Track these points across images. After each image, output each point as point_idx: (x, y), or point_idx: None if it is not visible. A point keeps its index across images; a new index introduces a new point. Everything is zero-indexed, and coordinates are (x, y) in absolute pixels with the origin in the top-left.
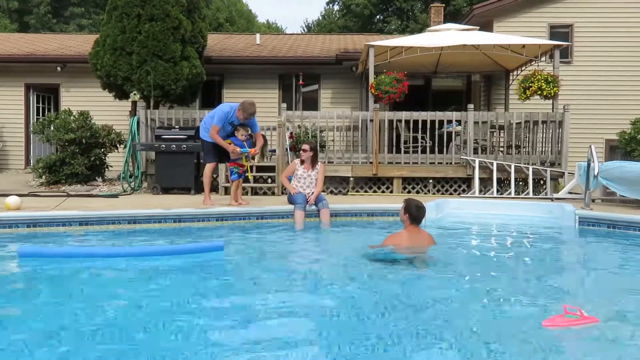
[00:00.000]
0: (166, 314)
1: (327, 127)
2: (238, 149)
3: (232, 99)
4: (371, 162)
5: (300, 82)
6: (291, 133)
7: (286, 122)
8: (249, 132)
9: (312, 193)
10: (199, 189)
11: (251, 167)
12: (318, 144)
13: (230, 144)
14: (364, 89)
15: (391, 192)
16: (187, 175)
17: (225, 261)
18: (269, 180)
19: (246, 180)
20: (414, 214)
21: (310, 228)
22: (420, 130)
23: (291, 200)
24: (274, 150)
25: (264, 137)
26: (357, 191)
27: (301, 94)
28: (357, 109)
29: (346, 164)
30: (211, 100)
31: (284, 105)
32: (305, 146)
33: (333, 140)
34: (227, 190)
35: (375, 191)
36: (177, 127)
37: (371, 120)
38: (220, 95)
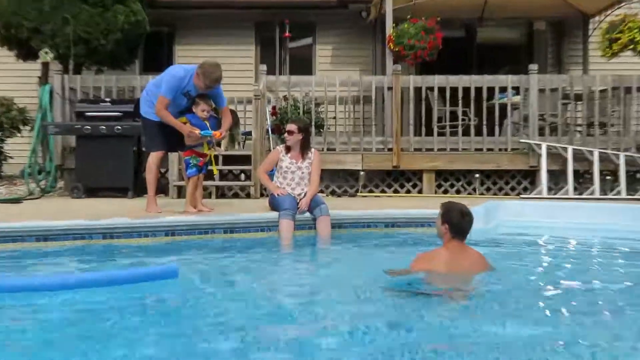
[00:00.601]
0: None
1: (325, 98)
2: (197, 132)
3: (187, 60)
4: (390, 149)
5: (287, 33)
6: (274, 108)
7: (266, 92)
8: (213, 106)
9: (305, 194)
10: (141, 190)
11: (216, 157)
12: (313, 123)
13: (185, 123)
14: (379, 43)
15: (420, 191)
16: (122, 169)
17: (178, 295)
18: (242, 176)
19: (209, 176)
20: (457, 223)
21: (302, 245)
22: (461, 102)
23: (274, 205)
24: (249, 133)
25: (233, 113)
26: (371, 191)
27: (288, 51)
28: (369, 72)
29: (354, 152)
30: (158, 61)
31: (264, 67)
32: (292, 126)
33: (335, 118)
34: (181, 192)
35: (396, 191)
36: (108, 100)
37: (389, 89)
38: (171, 54)
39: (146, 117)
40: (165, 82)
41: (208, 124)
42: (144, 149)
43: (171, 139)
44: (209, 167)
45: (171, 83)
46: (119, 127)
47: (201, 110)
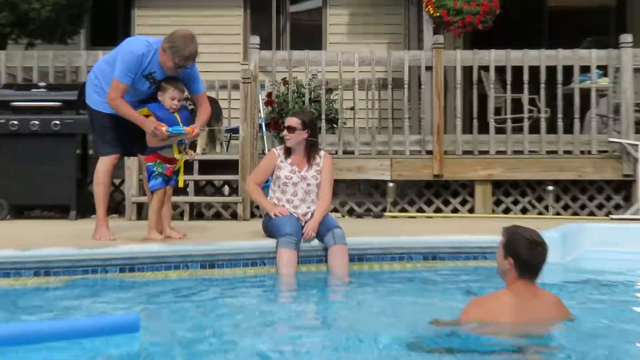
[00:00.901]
0: None
1: (340, 82)
2: (164, 128)
3: (150, 31)
4: (430, 152)
5: None
6: (269, 95)
7: (259, 74)
8: (185, 94)
9: (312, 214)
10: (88, 209)
11: (188, 163)
12: (323, 116)
13: (148, 117)
14: (413, 6)
15: (471, 210)
16: (61, 181)
17: (136, 356)
18: (226, 189)
19: (181, 189)
20: (526, 257)
21: (309, 285)
22: (527, 87)
23: (270, 230)
24: (235, 130)
25: (214, 103)
26: (403, 210)
27: (289, 18)
28: (401, 46)
29: (381, 156)
30: (110, 32)
31: (255, 40)
32: (294, 120)
33: (353, 109)
34: (142, 211)
35: (438, 210)
36: (42, 84)
37: (428, 68)
38: (129, 22)
39: (95, 109)
40: (120, 60)
41: (179, 118)
42: (91, 152)
43: (128, 139)
44: (178, 177)
45: (129, 62)
46: (58, 123)
47: (170, 98)
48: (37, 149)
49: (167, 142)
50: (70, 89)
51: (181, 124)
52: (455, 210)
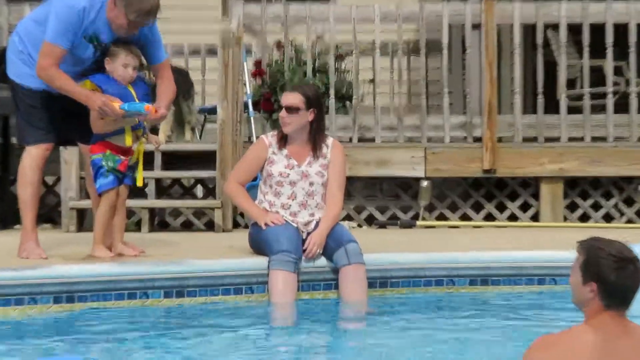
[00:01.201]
0: None
1: (355, 45)
2: (118, 104)
3: None
4: (479, 139)
5: None
6: (258, 64)
7: (244, 35)
8: (142, 61)
9: (316, 224)
10: (11, 217)
11: (148, 155)
12: (331, 92)
13: (94, 91)
14: None
15: (535, 217)
16: None
17: None
18: (199, 189)
19: (138, 192)
20: (614, 279)
21: (314, 317)
22: (610, 51)
23: (260, 245)
24: (212, 110)
25: (182, 75)
26: (442, 217)
27: None
28: None
29: (411, 145)
30: None
31: None
32: (293, 97)
33: (373, 82)
34: (85, 219)
35: (490, 217)
36: None
37: (475, 27)
38: None
39: (19, 83)
40: (55, 16)
41: (134, 93)
42: (14, 140)
43: (65, 122)
44: (135, 174)
45: (66, 18)
46: None
47: (122, 65)
48: None
49: (119, 125)
50: None
51: (138, 100)
52: (513, 218)
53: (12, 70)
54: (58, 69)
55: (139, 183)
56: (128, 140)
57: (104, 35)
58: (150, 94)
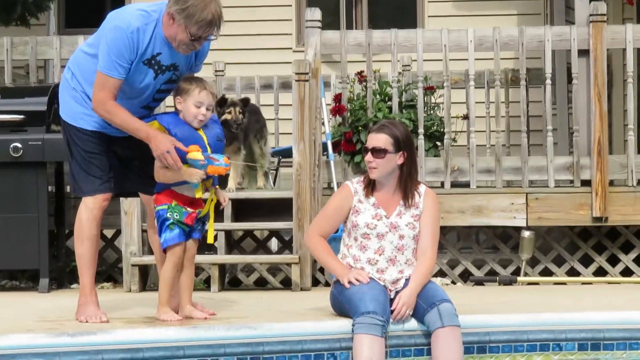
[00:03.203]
0: None
1: (447, 76)
2: (194, 153)
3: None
4: (587, 182)
5: None
6: (337, 98)
7: (321, 66)
8: (217, 97)
9: (406, 281)
10: (68, 276)
11: (217, 206)
12: (420, 129)
13: (162, 133)
14: None
15: None
16: (26, 234)
17: None
18: (274, 243)
19: (207, 246)
20: None
21: None
22: None
23: (343, 305)
24: (286, 152)
25: (252, 111)
26: (547, 272)
27: None
28: (538, 20)
29: (511, 190)
30: (94, 5)
31: (314, 14)
32: (380, 138)
33: (466, 118)
34: (148, 277)
35: (601, 271)
36: None
37: (583, 52)
38: None
39: (73, 125)
40: (105, 42)
41: (204, 137)
42: (70, 190)
43: (125, 169)
44: (205, 228)
45: (117, 43)
46: (19, 146)
47: (194, 104)
48: None
49: (191, 177)
50: (37, 95)
51: (209, 149)
52: (627, 272)
53: (65, 110)
54: (115, 102)
55: (210, 240)
56: (199, 192)
57: (163, 55)
58: (223, 139)
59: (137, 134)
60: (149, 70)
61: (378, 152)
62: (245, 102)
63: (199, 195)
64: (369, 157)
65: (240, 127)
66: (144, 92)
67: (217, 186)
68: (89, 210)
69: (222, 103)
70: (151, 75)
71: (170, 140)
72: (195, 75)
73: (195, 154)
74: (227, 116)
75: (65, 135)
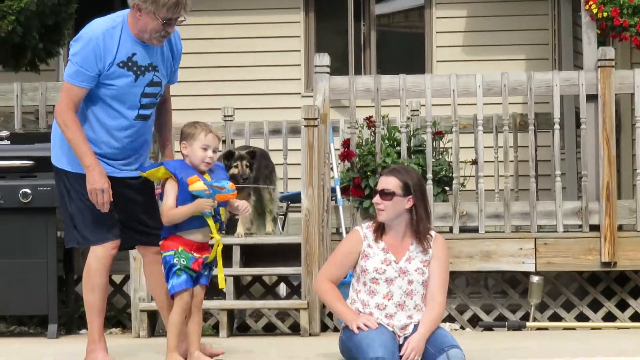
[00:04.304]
0: None
1: (455, 121)
2: (196, 183)
3: None
4: (596, 227)
5: None
6: (346, 143)
7: (330, 111)
8: (222, 140)
9: (415, 327)
10: (77, 321)
11: (224, 249)
12: (429, 174)
13: (167, 180)
14: (566, 4)
15: None
16: (35, 280)
17: None
18: (282, 288)
19: (214, 291)
20: None
21: None
22: None
23: (352, 351)
24: (295, 197)
25: (261, 156)
26: (556, 317)
27: (374, 24)
28: (546, 65)
29: (519, 234)
30: None
31: (323, 59)
32: (390, 181)
33: (475, 163)
34: (156, 322)
35: (610, 316)
36: (4, 133)
37: (591, 97)
38: None
39: (69, 170)
40: (73, 52)
41: (206, 170)
42: (66, 241)
43: (127, 211)
44: (214, 271)
45: (84, 49)
46: (28, 192)
47: (200, 148)
48: None
49: (206, 208)
50: (47, 140)
51: (220, 176)
52: (637, 317)
53: (61, 157)
54: (75, 117)
55: (221, 285)
56: (215, 235)
57: (140, 55)
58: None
59: (82, 158)
60: (129, 72)
61: (386, 194)
62: (252, 154)
63: (217, 237)
64: (377, 199)
65: (247, 181)
66: (130, 97)
67: (224, 230)
68: (98, 259)
69: (229, 156)
70: (131, 77)
71: (107, 181)
72: (171, 85)
73: (197, 184)
74: (234, 170)
75: (61, 185)
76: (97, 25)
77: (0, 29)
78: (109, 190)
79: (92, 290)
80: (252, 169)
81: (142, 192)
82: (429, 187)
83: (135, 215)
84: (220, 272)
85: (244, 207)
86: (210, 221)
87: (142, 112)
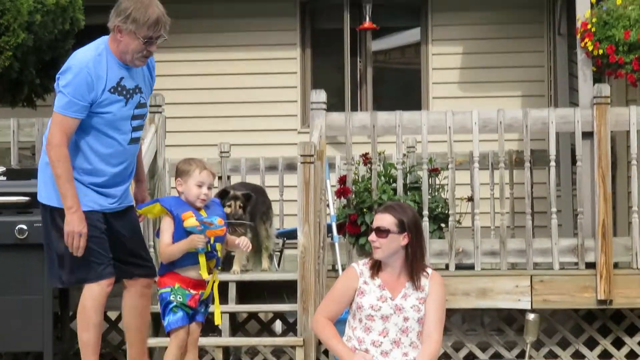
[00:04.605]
0: None
1: (451, 158)
2: (190, 219)
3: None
4: (592, 265)
5: (367, 22)
6: (342, 180)
7: (326, 148)
8: (217, 176)
9: None
10: (75, 358)
11: (220, 285)
12: (425, 211)
13: (162, 217)
14: (561, 40)
15: None
16: (31, 317)
17: None
18: (278, 325)
19: (209, 328)
20: None
21: None
22: None
23: None
24: (291, 234)
25: (258, 192)
26: (552, 355)
27: (370, 59)
28: (542, 102)
29: (515, 272)
30: None
31: (319, 96)
32: (385, 218)
33: (471, 200)
34: (151, 357)
35: (606, 355)
36: (0, 169)
37: (587, 135)
38: None
39: (60, 208)
40: (63, 83)
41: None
42: (54, 280)
43: (122, 245)
44: (210, 308)
45: (77, 79)
46: (24, 228)
47: (196, 184)
48: None
49: (200, 243)
50: None
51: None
52: (633, 355)
53: (50, 194)
54: (67, 151)
55: (217, 321)
56: (204, 271)
57: (127, 79)
58: (225, 219)
59: (65, 197)
60: (119, 97)
61: (381, 232)
62: (247, 197)
63: (205, 276)
64: (372, 236)
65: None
66: (122, 122)
67: (219, 267)
68: (93, 297)
69: (223, 195)
70: (122, 102)
71: (85, 225)
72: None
73: (189, 220)
74: (226, 209)
75: (50, 222)
76: (84, 55)
77: None
78: (85, 235)
79: (87, 329)
80: (246, 211)
81: (134, 225)
82: (425, 224)
83: (129, 249)
84: (217, 308)
85: (244, 243)
86: (202, 258)
87: (134, 135)
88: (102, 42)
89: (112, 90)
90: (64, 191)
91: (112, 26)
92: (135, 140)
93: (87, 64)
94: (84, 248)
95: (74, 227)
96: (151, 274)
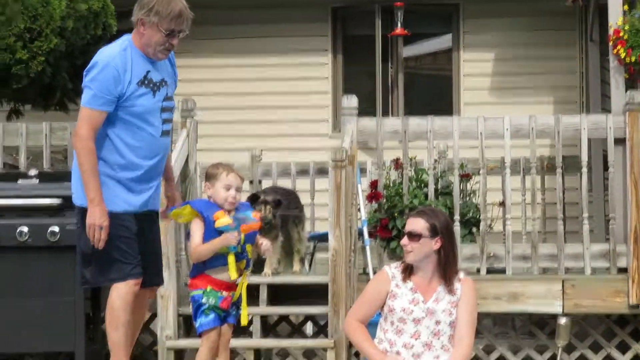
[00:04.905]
0: None
1: (483, 163)
2: (222, 219)
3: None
4: (624, 270)
5: (399, 29)
6: (373, 185)
7: (357, 153)
8: (244, 180)
9: None
10: (106, 359)
11: (252, 288)
12: (456, 216)
13: (193, 219)
14: (594, 47)
15: None
16: (62, 318)
17: None
18: (309, 327)
19: (241, 329)
20: None
21: None
22: None
23: None
24: (322, 237)
25: (290, 196)
26: (583, 358)
27: (401, 67)
28: (574, 108)
29: (547, 277)
30: None
31: (351, 101)
32: (417, 223)
33: (503, 204)
34: (182, 358)
35: (637, 359)
36: (33, 172)
37: (620, 141)
38: None
39: (80, 206)
40: (89, 78)
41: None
42: (81, 279)
43: (152, 252)
44: (239, 310)
45: (103, 73)
46: (56, 231)
47: (223, 188)
48: (24, 270)
49: (229, 243)
50: None
51: (244, 209)
52: None
53: (79, 194)
54: (94, 145)
55: (244, 322)
56: (233, 273)
57: (153, 72)
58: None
59: (88, 189)
60: (147, 90)
61: (413, 236)
62: (277, 202)
63: (234, 277)
64: (404, 240)
65: (269, 226)
66: (152, 114)
67: (249, 268)
68: (121, 297)
69: (253, 200)
70: (150, 94)
71: (107, 219)
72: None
73: (222, 220)
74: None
75: (83, 223)
76: (109, 51)
77: (30, 69)
78: (107, 229)
79: (117, 328)
80: (275, 216)
81: (157, 232)
82: (457, 229)
83: (148, 254)
84: (244, 309)
85: (266, 246)
86: (232, 258)
87: (165, 127)
88: (126, 38)
89: (139, 83)
90: (87, 182)
91: (135, 20)
92: (167, 133)
93: (114, 58)
94: (104, 241)
95: (95, 219)
96: (159, 284)
